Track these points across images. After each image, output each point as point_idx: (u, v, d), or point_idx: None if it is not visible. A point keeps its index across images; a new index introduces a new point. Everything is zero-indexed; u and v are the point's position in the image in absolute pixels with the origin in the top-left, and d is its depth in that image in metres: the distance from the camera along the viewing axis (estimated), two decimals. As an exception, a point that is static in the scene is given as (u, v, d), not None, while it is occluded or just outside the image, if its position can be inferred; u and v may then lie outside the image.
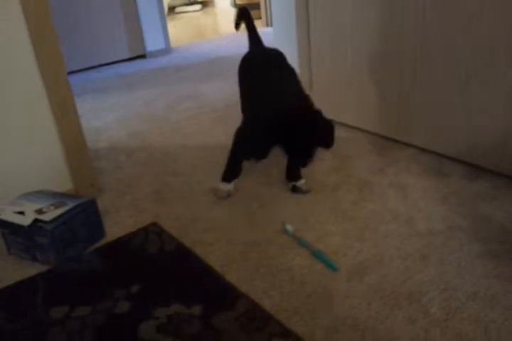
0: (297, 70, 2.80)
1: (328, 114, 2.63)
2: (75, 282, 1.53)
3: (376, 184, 1.98)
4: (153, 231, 1.75)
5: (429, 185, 1.94)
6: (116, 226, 1.82)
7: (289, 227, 1.70)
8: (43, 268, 1.61)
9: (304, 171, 2.05)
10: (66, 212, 1.63)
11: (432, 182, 1.95)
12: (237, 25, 2.37)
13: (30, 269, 1.60)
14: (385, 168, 2.09)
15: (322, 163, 2.18)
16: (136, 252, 1.64)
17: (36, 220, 1.59)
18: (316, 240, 1.65)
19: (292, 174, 2.01)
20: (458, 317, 1.29)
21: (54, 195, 1.75)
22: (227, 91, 3.27)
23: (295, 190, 1.98)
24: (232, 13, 5.34)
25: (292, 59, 2.98)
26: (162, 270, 1.55)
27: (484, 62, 1.83)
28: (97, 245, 1.72)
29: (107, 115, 3.02)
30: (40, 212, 1.62)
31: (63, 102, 1.88)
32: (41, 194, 1.75)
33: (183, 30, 5.55)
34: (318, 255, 1.56)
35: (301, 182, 1.99)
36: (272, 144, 1.75)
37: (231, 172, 1.96)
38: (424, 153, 2.19)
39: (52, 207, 1.64)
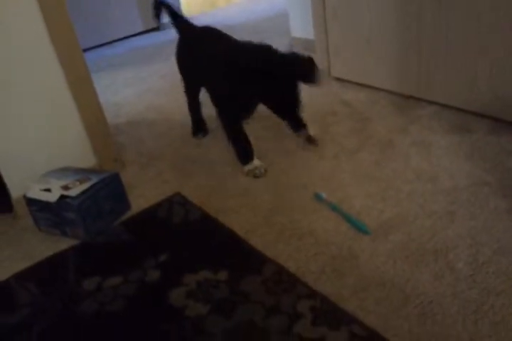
0: (312, 32, 2.75)
1: (346, 75, 2.60)
2: (105, 254, 1.57)
3: (398, 144, 1.95)
4: (177, 201, 1.77)
5: (453, 142, 1.90)
6: (142, 199, 1.84)
7: (322, 193, 1.69)
8: (73, 242, 1.65)
9: (324, 135, 2.04)
10: (91, 187, 1.66)
11: (456, 139, 1.92)
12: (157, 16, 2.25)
13: (61, 244, 1.65)
14: (407, 127, 2.06)
15: (342, 125, 2.16)
16: (161, 222, 1.67)
17: (62, 196, 1.62)
18: (339, 202, 1.64)
19: (296, 124, 2.01)
20: (484, 272, 1.29)
21: (78, 171, 1.78)
22: (243, 58, 3.23)
23: (309, 140, 2.00)
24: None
25: (306, 21, 2.92)
26: (188, 238, 1.58)
27: (506, 16, 1.76)
28: (124, 218, 1.75)
29: (125, 90, 3.02)
30: (65, 188, 1.65)
31: (80, 79, 1.88)
32: (66, 171, 1.78)
33: (196, -1, 5.46)
34: (350, 219, 1.55)
35: (309, 131, 2.02)
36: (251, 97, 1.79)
37: (244, 153, 1.92)
38: (447, 109, 2.14)
39: (77, 183, 1.67)
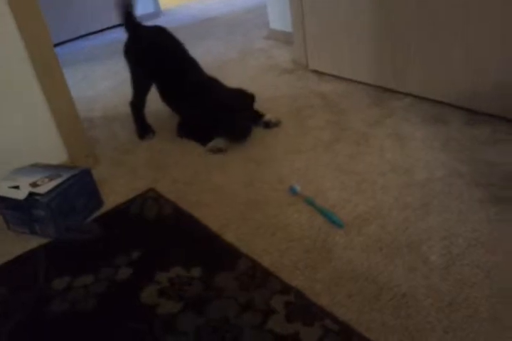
0: (290, 24, 2.73)
1: (323, 67, 2.58)
2: (76, 252, 1.54)
3: (374, 136, 1.94)
4: (150, 196, 1.74)
5: (428, 134, 1.89)
6: (115, 195, 1.81)
7: (296, 186, 1.67)
8: (43, 240, 1.61)
9: (297, 128, 2.02)
10: (61, 184, 1.62)
11: (431, 130, 1.91)
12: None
13: (31, 242, 1.61)
14: (383, 119, 2.05)
15: (318, 117, 2.14)
16: (134, 219, 1.64)
17: (32, 193, 1.58)
18: (314, 195, 1.63)
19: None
20: (459, 264, 1.28)
21: (48, 167, 1.74)
22: (219, 52, 3.20)
23: (266, 124, 2.10)
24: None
25: (284, 14, 2.89)
26: (161, 234, 1.55)
27: (481, 6, 1.75)
28: (96, 214, 1.71)
29: (100, 84, 2.97)
30: (34, 185, 1.61)
31: (49, 72, 1.84)
32: (35, 167, 1.74)
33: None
34: (324, 212, 1.54)
35: (268, 117, 2.12)
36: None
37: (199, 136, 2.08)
38: (423, 101, 2.14)
39: (46, 180, 1.63)
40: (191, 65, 2.21)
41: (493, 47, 1.78)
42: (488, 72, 1.84)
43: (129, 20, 2.23)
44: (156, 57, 2.16)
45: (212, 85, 2.12)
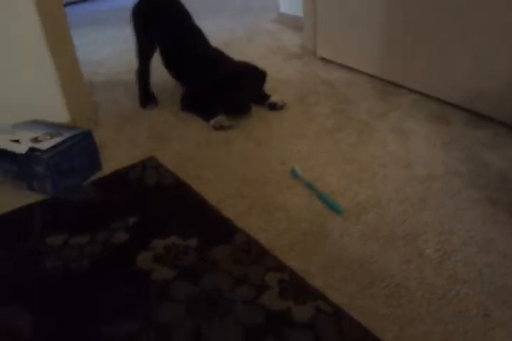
0: (300, 9, 2.71)
1: (331, 55, 2.57)
2: (72, 212, 1.52)
3: (377, 128, 1.95)
4: (150, 165, 1.73)
5: (430, 131, 1.91)
6: (114, 160, 1.79)
7: (298, 169, 1.67)
8: (40, 197, 1.59)
9: (302, 113, 2.02)
10: (62, 142, 1.60)
11: (434, 128, 1.92)
12: None
13: (27, 198, 1.59)
14: (387, 113, 2.06)
15: (323, 105, 2.14)
16: (133, 185, 1.63)
17: (32, 149, 1.56)
18: (313, 181, 1.63)
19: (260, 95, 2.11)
20: (452, 260, 1.30)
21: (49, 125, 1.72)
22: (227, 29, 3.17)
23: (272, 106, 2.09)
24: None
25: (296, 1, 2.87)
26: (159, 203, 1.55)
27: (487, 8, 1.76)
28: (94, 177, 1.70)
29: (106, 48, 2.92)
30: (35, 140, 1.58)
31: (58, 31, 1.80)
32: (36, 123, 1.72)
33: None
34: (323, 198, 1.54)
35: (274, 98, 2.11)
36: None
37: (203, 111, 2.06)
38: (427, 99, 2.15)
39: (48, 137, 1.61)
40: (197, 35, 2.18)
41: (500, 51, 1.79)
42: (495, 76, 1.85)
43: None
44: (162, 23, 2.13)
45: (219, 58, 2.09)
